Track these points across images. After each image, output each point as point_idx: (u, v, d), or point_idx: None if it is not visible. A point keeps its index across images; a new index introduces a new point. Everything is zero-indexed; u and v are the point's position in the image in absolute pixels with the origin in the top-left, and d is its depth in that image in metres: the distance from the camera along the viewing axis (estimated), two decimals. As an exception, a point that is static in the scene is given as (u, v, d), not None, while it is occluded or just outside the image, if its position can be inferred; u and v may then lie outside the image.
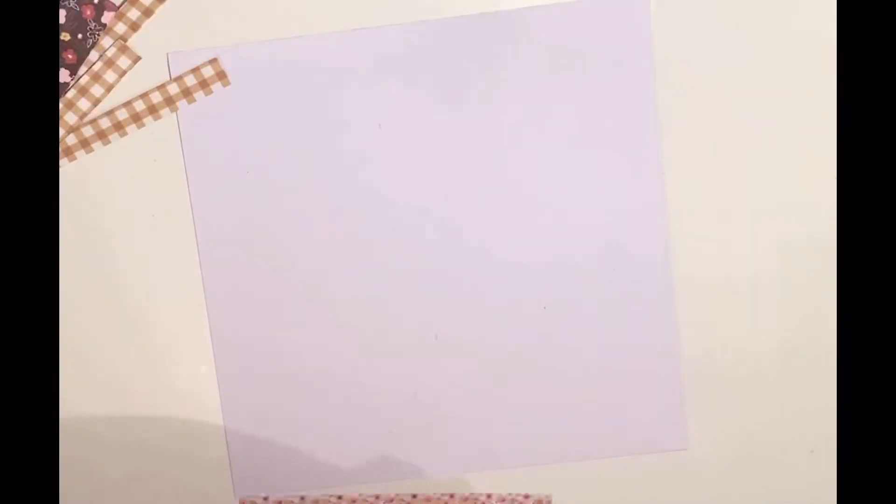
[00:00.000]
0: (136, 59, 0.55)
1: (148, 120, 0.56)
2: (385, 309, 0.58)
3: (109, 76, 0.55)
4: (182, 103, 0.56)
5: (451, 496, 0.59)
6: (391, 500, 0.59)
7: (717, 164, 0.57)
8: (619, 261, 0.58)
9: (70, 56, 0.54)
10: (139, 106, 0.56)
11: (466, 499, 0.59)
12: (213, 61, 0.55)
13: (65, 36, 0.53)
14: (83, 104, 0.55)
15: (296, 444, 0.59)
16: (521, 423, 0.59)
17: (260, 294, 0.58)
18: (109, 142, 0.56)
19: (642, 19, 0.56)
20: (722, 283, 0.58)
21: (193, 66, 0.56)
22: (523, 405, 0.59)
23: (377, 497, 0.59)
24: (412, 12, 0.56)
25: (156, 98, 0.56)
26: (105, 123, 0.55)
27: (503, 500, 0.59)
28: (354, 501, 0.59)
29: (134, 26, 0.55)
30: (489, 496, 0.59)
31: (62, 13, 0.53)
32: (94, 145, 0.56)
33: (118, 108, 0.56)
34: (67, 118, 0.55)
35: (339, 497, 0.60)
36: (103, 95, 0.55)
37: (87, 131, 0.56)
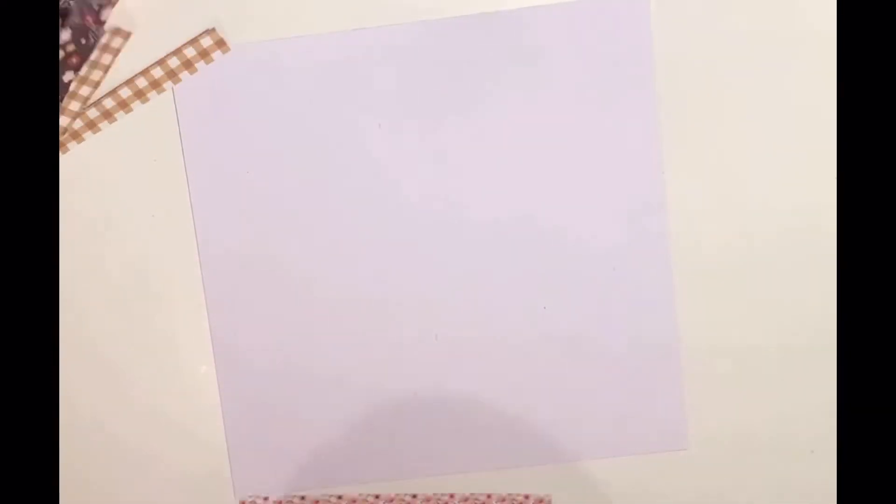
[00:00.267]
0: (127, 35, 0.55)
1: (152, 95, 0.56)
2: (385, 308, 0.58)
3: (105, 58, 0.55)
4: (181, 94, 0.56)
5: (451, 496, 0.59)
6: (391, 500, 0.59)
7: (718, 163, 0.57)
8: (620, 261, 0.58)
9: (75, 59, 0.54)
10: (141, 83, 0.56)
11: (466, 499, 0.59)
12: (211, 31, 0.55)
13: (70, 47, 0.54)
14: (84, 91, 0.55)
15: (296, 444, 0.59)
16: (521, 424, 0.59)
17: (260, 294, 0.58)
18: (115, 119, 0.56)
19: (642, 19, 0.56)
20: (722, 283, 0.58)
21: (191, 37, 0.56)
22: (523, 405, 0.59)
23: (377, 497, 0.59)
24: (412, 12, 0.56)
25: (157, 73, 0.55)
26: (109, 103, 0.56)
27: (503, 500, 0.59)
28: (354, 501, 0.59)
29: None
30: (489, 496, 0.59)
31: (68, 31, 0.53)
32: (100, 125, 0.56)
33: (121, 86, 0.56)
34: (71, 106, 0.55)
35: (339, 497, 0.60)
36: (101, 78, 0.55)
37: (92, 113, 0.56)
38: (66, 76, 0.54)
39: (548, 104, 0.57)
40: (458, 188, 0.57)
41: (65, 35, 0.53)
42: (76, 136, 0.56)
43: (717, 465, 0.59)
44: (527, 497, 0.59)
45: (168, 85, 0.56)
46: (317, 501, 0.60)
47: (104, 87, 0.56)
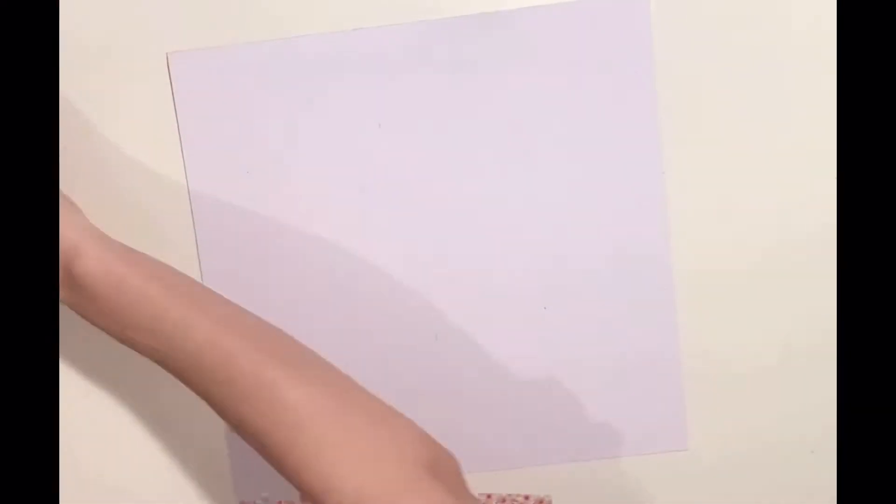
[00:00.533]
0: None
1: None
2: (384, 308, 0.58)
3: None
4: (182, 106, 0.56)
5: (452, 496, 0.59)
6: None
7: (718, 165, 0.57)
8: (620, 261, 0.58)
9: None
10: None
11: (466, 499, 0.59)
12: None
13: None
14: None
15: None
16: (521, 424, 0.59)
17: (258, 295, 0.58)
18: None
19: (642, 20, 0.56)
20: (722, 283, 0.58)
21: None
22: (523, 405, 0.59)
23: (377, 497, 0.59)
24: (412, 12, 0.56)
25: None
26: None
27: (503, 500, 0.59)
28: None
29: None
30: (489, 496, 0.59)
31: None
32: None
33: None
34: None
35: (339, 497, 0.59)
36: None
37: None
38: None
39: (548, 105, 0.57)
40: (457, 188, 0.57)
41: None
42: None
43: (717, 466, 0.59)
44: (527, 498, 0.59)
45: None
46: (317, 501, 0.59)
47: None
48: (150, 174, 0.57)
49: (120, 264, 0.48)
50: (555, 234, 0.58)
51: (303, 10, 0.56)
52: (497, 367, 0.58)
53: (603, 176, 0.57)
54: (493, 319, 0.58)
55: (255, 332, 0.49)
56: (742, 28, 0.56)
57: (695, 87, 0.56)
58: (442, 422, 0.58)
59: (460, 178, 0.57)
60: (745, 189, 0.57)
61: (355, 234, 0.58)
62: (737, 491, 0.59)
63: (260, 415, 0.45)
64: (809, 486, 0.59)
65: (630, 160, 0.57)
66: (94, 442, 0.60)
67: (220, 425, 0.59)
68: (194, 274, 0.57)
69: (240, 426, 0.47)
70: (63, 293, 0.48)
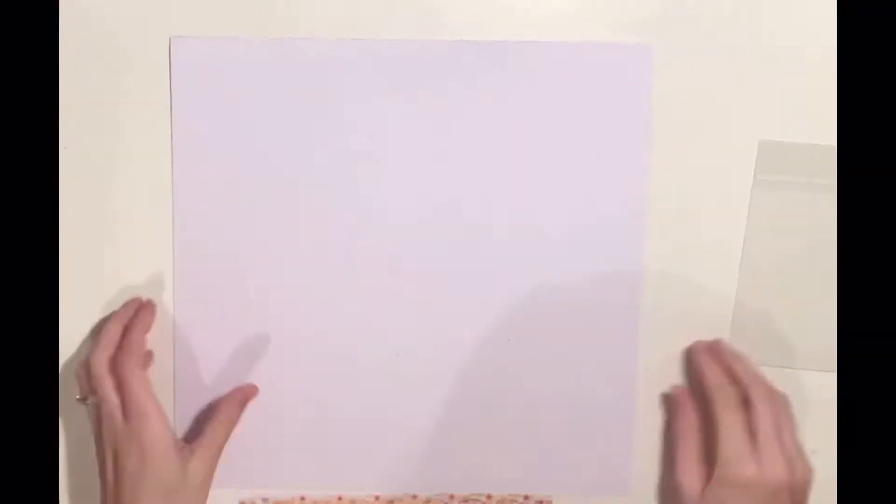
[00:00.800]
0: None
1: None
2: (354, 325, 0.58)
3: None
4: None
5: (452, 497, 0.59)
6: (391, 501, 0.59)
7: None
8: (587, 305, 0.58)
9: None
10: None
11: (466, 499, 0.59)
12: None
13: None
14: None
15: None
16: (469, 450, 0.59)
17: (235, 287, 0.58)
18: None
19: (644, 68, 0.56)
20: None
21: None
22: (476, 432, 0.59)
23: (377, 498, 0.59)
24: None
25: None
26: None
27: (503, 500, 0.59)
28: (354, 502, 0.59)
29: None
30: (489, 496, 0.59)
31: None
32: None
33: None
34: None
35: (339, 498, 0.59)
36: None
37: None
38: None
39: (537, 141, 0.56)
40: (435, 212, 0.57)
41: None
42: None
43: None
44: (526, 498, 0.59)
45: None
46: (316, 502, 0.59)
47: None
48: (139, 176, 0.57)
49: None
50: (527, 267, 0.57)
51: (310, 12, 0.56)
52: (464, 395, 0.58)
53: (584, 220, 0.57)
54: (451, 347, 0.58)
55: None
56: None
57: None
58: (392, 439, 0.58)
59: (441, 202, 0.57)
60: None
61: (333, 245, 0.57)
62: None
63: None
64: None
65: (611, 215, 0.57)
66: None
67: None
68: (167, 257, 0.57)
69: None
70: None
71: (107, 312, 0.58)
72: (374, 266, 0.58)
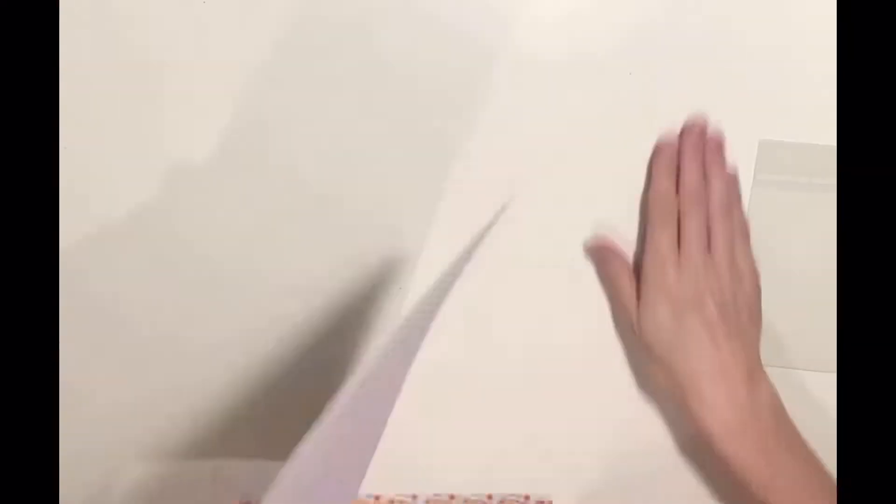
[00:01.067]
0: None
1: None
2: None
3: None
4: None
5: (452, 497, 0.59)
6: (391, 501, 0.59)
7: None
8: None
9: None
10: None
11: (467, 499, 0.59)
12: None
13: None
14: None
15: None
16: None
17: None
18: None
19: None
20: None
21: None
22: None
23: (377, 498, 0.59)
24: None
25: None
26: None
27: (503, 500, 0.59)
28: (354, 502, 0.59)
29: None
30: (490, 497, 0.59)
31: None
32: None
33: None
34: None
35: (339, 497, 0.59)
36: None
37: None
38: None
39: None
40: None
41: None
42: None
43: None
44: (527, 498, 0.59)
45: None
46: (317, 502, 0.59)
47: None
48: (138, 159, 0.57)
49: None
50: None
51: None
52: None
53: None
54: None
55: None
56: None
57: None
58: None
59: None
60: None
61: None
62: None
63: None
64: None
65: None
66: (94, 442, 0.60)
67: (220, 425, 0.59)
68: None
69: None
70: None
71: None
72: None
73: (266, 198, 0.57)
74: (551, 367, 0.58)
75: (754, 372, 0.51)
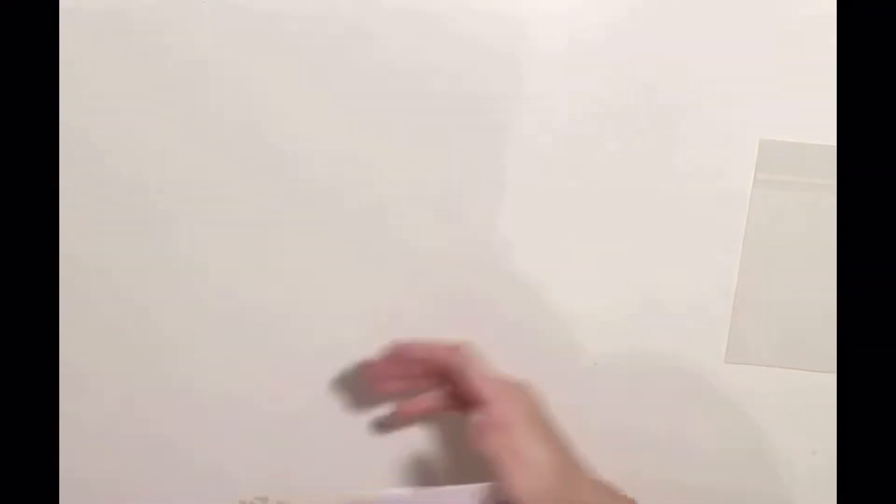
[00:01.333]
0: None
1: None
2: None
3: None
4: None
5: (452, 497, 0.59)
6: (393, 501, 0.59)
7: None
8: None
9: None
10: None
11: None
12: None
13: None
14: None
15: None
16: None
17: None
18: None
19: None
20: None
21: None
22: None
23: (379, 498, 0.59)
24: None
25: None
26: None
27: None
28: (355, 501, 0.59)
29: None
30: (489, 496, 0.59)
31: None
32: None
33: None
34: None
35: (339, 496, 0.59)
36: None
37: None
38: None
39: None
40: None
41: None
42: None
43: (718, 464, 0.59)
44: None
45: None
46: (317, 502, 0.59)
47: None
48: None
49: None
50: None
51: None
52: None
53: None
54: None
55: None
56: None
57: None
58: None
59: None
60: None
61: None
62: (738, 490, 0.59)
63: None
64: (809, 486, 0.59)
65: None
66: (93, 442, 0.59)
67: (219, 425, 0.59)
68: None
69: None
70: None
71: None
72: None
73: (266, 198, 0.57)
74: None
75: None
